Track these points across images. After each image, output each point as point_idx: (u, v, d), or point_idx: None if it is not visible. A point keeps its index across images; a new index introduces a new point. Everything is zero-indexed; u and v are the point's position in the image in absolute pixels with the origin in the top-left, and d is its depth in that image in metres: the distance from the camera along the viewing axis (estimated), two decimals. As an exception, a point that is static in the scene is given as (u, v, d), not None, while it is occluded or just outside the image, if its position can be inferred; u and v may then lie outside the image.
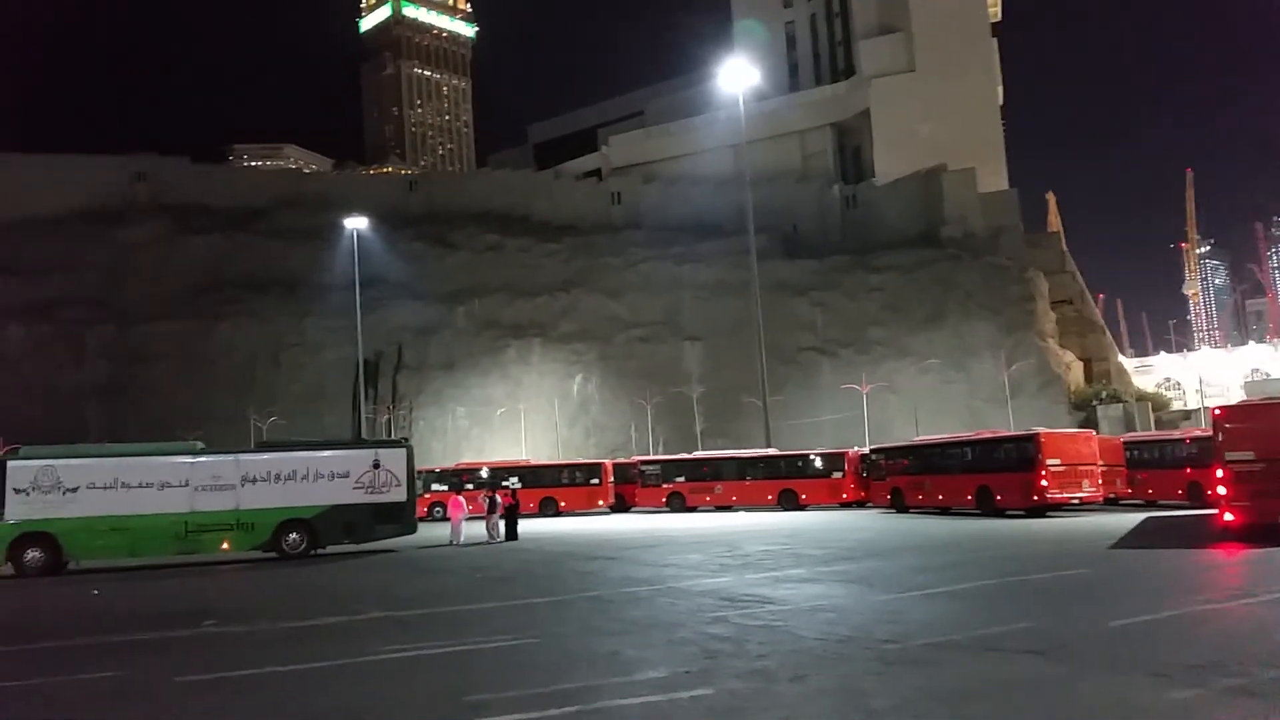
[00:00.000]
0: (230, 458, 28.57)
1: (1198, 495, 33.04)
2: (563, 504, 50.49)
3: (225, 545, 27.34)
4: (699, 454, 54.47)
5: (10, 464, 26.29)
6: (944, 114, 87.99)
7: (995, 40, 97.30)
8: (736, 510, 46.99)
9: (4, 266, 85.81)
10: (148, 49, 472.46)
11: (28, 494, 25.90)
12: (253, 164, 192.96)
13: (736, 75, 58.00)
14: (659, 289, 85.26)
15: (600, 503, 50.75)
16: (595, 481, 51.22)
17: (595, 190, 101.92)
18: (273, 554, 27.82)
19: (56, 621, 16.66)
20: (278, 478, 27.96)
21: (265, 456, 29.16)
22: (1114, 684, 8.62)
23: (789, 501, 45.86)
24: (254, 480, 27.70)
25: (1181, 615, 12.14)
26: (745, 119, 59.72)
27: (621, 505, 51.78)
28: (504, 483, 46.52)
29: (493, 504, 32.86)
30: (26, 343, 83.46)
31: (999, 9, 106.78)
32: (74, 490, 26.17)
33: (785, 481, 46.64)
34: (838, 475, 45.60)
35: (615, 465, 53.60)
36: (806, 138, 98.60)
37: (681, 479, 49.80)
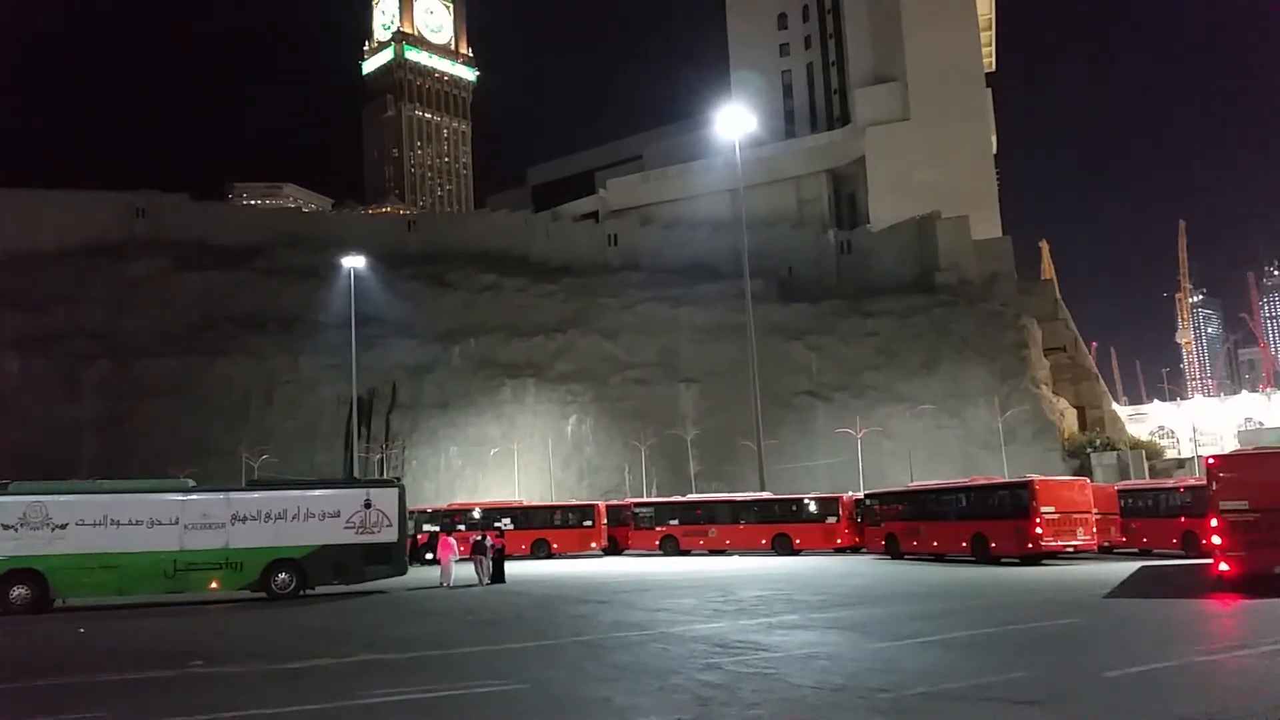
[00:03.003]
0: (221, 496, 28.37)
1: (1192, 544, 32.93)
2: (555, 546, 50.14)
3: (214, 584, 27.09)
4: (693, 497, 54.23)
5: (-1, 499, 26.11)
6: (938, 162, 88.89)
7: (989, 90, 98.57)
8: (730, 554, 46.69)
9: (4, 300, 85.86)
10: (151, 87, 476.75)
11: (16, 530, 25.68)
12: (252, 202, 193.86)
13: (734, 122, 58.57)
14: (655, 331, 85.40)
15: (593, 545, 50.40)
16: (588, 523, 50.90)
17: (592, 232, 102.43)
18: (261, 594, 27.55)
19: (42, 660, 16.46)
20: (268, 517, 27.78)
21: (256, 495, 28.94)
22: (1109, 736, 8.55)
23: (783, 546, 45.57)
24: (244, 519, 27.51)
25: (1176, 666, 12.06)
26: (742, 165, 60.20)
27: (614, 548, 51.41)
28: (495, 524, 46.25)
29: (479, 546, 32.48)
30: (24, 375, 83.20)
31: (993, 59, 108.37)
32: (63, 527, 25.94)
33: (779, 526, 46.36)
34: (832, 520, 45.37)
35: (609, 507, 53.24)
36: (802, 184, 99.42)
37: (675, 522, 49.50)
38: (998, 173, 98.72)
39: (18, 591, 25.39)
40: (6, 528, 25.65)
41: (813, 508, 46.50)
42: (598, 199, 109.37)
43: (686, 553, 48.12)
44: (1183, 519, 34.38)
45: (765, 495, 50.37)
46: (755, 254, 63.06)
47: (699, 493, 59.33)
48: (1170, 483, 42.04)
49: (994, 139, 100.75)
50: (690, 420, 78.06)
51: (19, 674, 14.50)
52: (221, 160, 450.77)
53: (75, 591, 26.29)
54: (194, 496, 27.82)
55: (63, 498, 26.68)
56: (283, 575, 27.59)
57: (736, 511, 48.20)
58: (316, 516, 28.12)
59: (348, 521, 28.27)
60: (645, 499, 58.87)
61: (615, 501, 57.76)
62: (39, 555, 25.60)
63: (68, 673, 14.45)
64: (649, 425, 76.92)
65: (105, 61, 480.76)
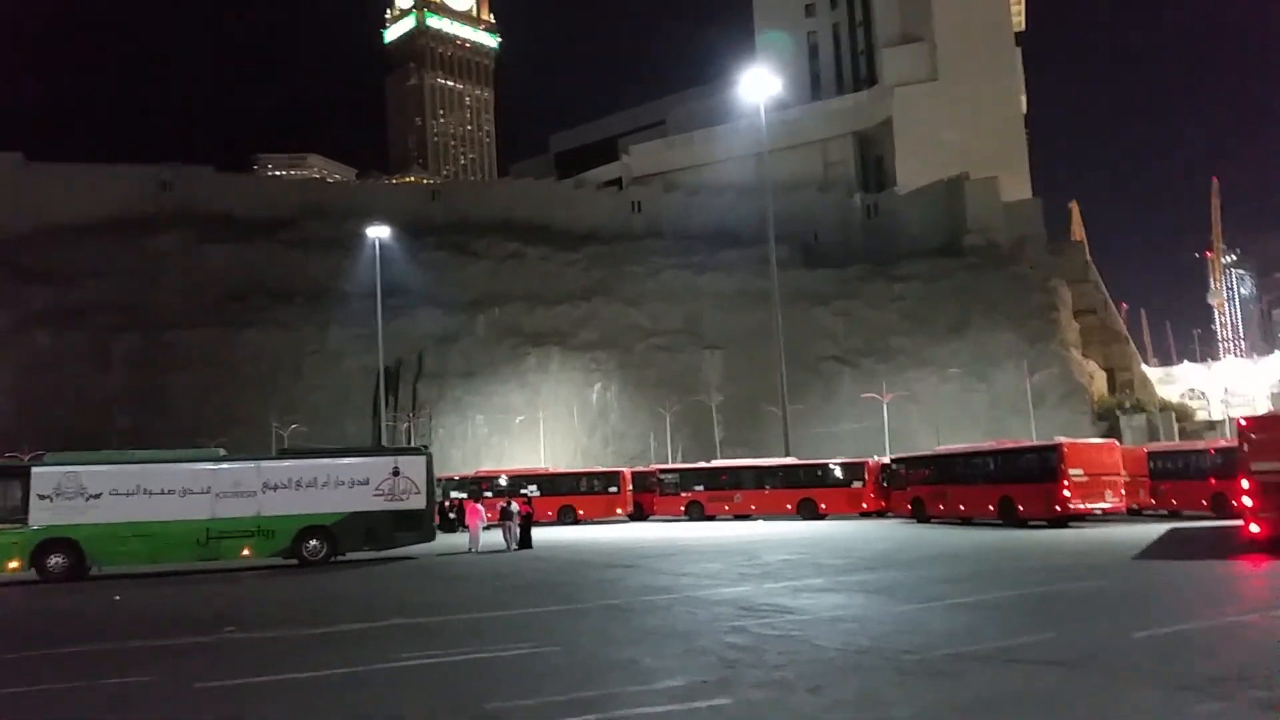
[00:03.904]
0: (252, 464, 28.69)
1: (1222, 506, 32.64)
2: (581, 512, 50.47)
3: (246, 552, 27.46)
4: (718, 463, 54.28)
5: (35, 470, 26.55)
6: (967, 123, 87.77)
7: (1019, 49, 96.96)
8: (755, 519, 46.79)
9: (34, 273, 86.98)
10: (174, 59, 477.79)
11: (51, 500, 26.11)
12: (277, 173, 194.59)
13: (758, 84, 57.92)
14: (679, 298, 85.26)
15: (619, 511, 50.67)
16: (614, 490, 51.15)
17: (616, 199, 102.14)
18: (293, 561, 27.90)
19: (79, 627, 16.79)
20: (298, 484, 28.07)
21: (286, 463, 29.25)
22: (1138, 696, 8.52)
23: (808, 511, 45.61)
24: (275, 487, 27.81)
25: (1207, 627, 11.98)
26: (766, 128, 59.64)
27: (640, 514, 51.67)
28: (522, 491, 46.55)
29: (507, 512, 32.79)
30: (55, 349, 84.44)
31: (1023, 18, 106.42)
32: (97, 496, 26.33)
33: (805, 491, 46.37)
34: (858, 485, 45.33)
35: (634, 473, 53.47)
36: (828, 147, 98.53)
37: (700, 488, 49.61)
38: (1027, 133, 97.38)
39: (55, 560, 25.85)
40: (42, 498, 26.09)
41: (838, 472, 46.44)
42: (621, 165, 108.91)
43: (712, 518, 48.29)
44: (1212, 481, 34.08)
45: (790, 460, 50.38)
46: (780, 219, 62.65)
47: (724, 458, 59.36)
48: (1200, 444, 41.71)
49: (1024, 99, 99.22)
50: (715, 387, 78.06)
51: (58, 640, 14.82)
52: (246, 132, 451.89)
53: (110, 559, 26.75)
54: (225, 465, 28.15)
55: (96, 468, 27.06)
56: (314, 542, 27.92)
57: (762, 477, 48.25)
58: (346, 484, 28.41)
59: (377, 489, 28.54)
60: (670, 465, 59.09)
61: (641, 468, 57.97)
62: (74, 524, 26.03)
63: (105, 639, 14.72)
64: (673, 392, 77.04)
65: (130, 35, 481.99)
